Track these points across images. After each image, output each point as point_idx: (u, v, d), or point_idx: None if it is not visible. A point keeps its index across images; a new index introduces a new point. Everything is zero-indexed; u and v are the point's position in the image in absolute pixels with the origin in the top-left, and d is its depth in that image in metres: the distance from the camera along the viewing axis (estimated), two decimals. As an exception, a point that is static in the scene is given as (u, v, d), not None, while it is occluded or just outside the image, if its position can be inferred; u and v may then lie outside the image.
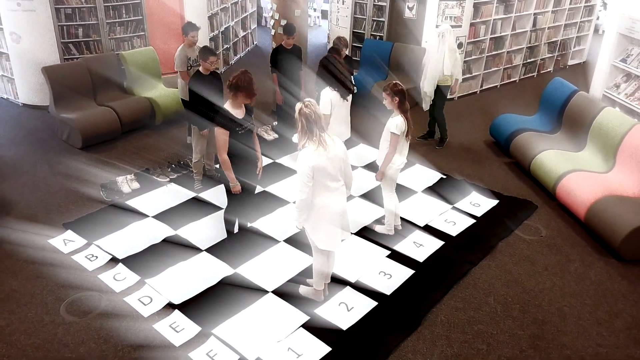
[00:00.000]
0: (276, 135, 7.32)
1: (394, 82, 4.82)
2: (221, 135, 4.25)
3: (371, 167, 6.49)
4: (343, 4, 9.57)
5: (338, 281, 4.56)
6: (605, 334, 4.15)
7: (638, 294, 4.60)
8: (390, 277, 4.65)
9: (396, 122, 4.72)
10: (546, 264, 4.94)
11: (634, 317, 4.34)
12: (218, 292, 4.41)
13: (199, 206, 5.64)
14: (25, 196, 5.72)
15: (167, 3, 8.66)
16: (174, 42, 8.02)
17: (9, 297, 4.31)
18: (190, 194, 5.85)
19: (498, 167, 6.79)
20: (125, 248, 4.90)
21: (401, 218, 5.38)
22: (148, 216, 5.43)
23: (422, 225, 5.42)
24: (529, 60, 10.26)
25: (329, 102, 5.31)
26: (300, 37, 7.18)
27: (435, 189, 6.13)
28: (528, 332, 4.14)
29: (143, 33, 8.41)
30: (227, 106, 4.34)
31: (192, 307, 4.24)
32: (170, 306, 4.25)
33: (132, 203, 5.64)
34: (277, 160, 6.66)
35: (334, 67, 5.52)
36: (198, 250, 4.94)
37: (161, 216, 5.42)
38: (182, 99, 6.45)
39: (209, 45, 8.46)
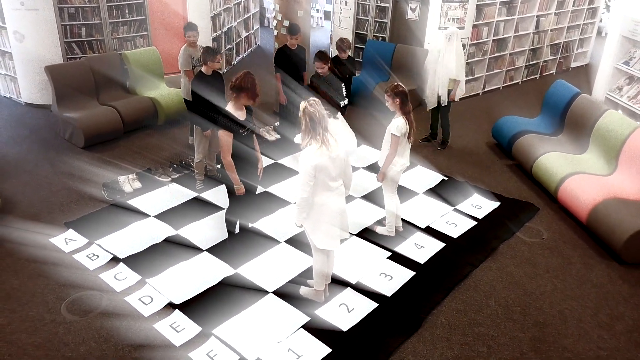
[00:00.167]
0: (278, 136, 7.31)
1: (396, 83, 4.82)
2: (225, 137, 4.25)
3: (373, 168, 6.49)
4: (346, 5, 9.58)
5: (338, 282, 4.55)
6: (606, 337, 4.14)
7: (639, 297, 4.59)
8: (391, 279, 4.65)
9: (397, 124, 4.72)
10: (547, 267, 4.93)
11: (635, 320, 4.33)
12: (219, 293, 4.41)
13: (200, 206, 5.64)
14: (27, 195, 5.73)
15: (169, 3, 8.67)
16: (177, 42, 8.02)
17: (10, 296, 4.31)
18: (192, 194, 5.85)
19: (500, 169, 6.79)
20: (126, 247, 4.91)
21: (402, 219, 5.38)
22: (149, 216, 5.43)
23: (423, 226, 5.41)
24: (531, 63, 10.25)
25: None
26: (302, 38, 7.18)
27: (436, 191, 6.12)
28: (529, 335, 4.13)
29: (146, 33, 8.43)
30: (230, 107, 4.33)
31: (193, 307, 4.25)
32: (171, 306, 4.25)
33: (133, 203, 5.65)
34: (278, 161, 6.66)
35: (322, 84, 5.54)
36: (199, 250, 4.94)
37: (162, 216, 5.43)
38: (184, 99, 6.46)
39: (211, 45, 8.48)
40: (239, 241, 4.93)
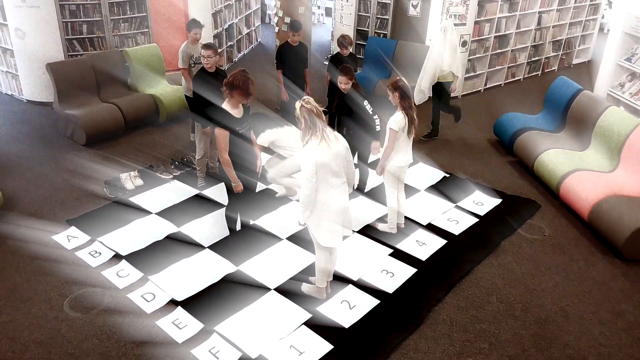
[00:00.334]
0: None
1: (397, 77, 4.81)
2: (222, 135, 4.24)
3: (374, 165, 6.46)
4: (347, 1, 9.55)
5: (340, 279, 4.56)
6: (608, 334, 4.14)
7: (641, 294, 4.59)
8: (393, 276, 4.65)
9: (395, 118, 4.71)
10: (549, 264, 4.93)
11: (636, 317, 4.33)
12: (221, 290, 4.42)
13: (202, 203, 5.64)
14: (29, 192, 5.74)
15: (171, 0, 8.66)
16: (178, 39, 8.03)
17: (13, 293, 4.32)
18: (194, 191, 5.86)
19: (501, 165, 6.78)
20: (128, 245, 4.91)
21: (404, 217, 5.37)
22: (151, 213, 5.44)
23: (424, 223, 5.42)
24: (533, 59, 10.23)
25: None
26: (304, 35, 7.17)
27: (438, 188, 6.12)
28: (530, 332, 4.13)
29: (147, 30, 8.42)
30: (225, 105, 4.32)
31: (195, 304, 4.25)
32: (173, 303, 4.26)
33: (135, 200, 5.65)
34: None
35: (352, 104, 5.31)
36: (201, 247, 4.94)
37: (164, 213, 5.44)
38: (185, 96, 6.46)
39: (212, 42, 8.46)
40: (240, 238, 4.94)
